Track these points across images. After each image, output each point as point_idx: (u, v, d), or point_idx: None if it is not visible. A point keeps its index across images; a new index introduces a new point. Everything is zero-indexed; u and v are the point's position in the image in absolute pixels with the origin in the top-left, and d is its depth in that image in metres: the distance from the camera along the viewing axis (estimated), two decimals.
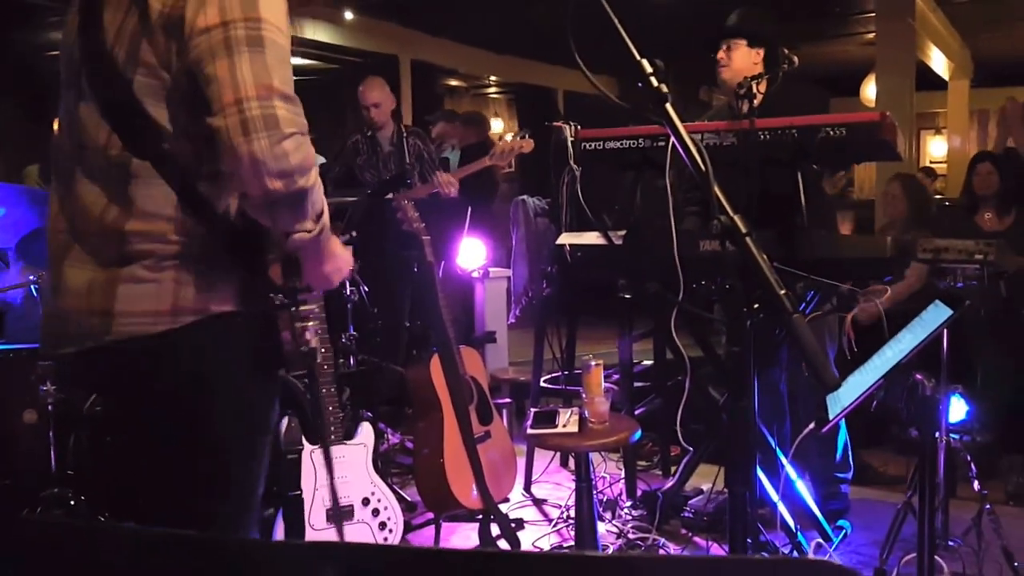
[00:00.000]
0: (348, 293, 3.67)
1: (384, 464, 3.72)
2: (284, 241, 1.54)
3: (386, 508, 2.91)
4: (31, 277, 2.94)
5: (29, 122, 8.90)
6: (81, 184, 1.57)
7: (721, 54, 3.22)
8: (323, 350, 1.82)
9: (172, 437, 1.59)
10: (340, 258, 1.70)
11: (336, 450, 2.84)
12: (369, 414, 3.29)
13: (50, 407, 2.94)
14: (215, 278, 1.56)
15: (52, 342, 1.61)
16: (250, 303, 1.58)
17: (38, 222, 2.98)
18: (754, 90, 2.70)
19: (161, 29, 1.48)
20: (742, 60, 3.17)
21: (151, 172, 1.52)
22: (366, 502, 2.86)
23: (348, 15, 7.95)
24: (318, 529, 2.76)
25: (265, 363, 1.61)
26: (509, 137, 4.01)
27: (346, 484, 2.84)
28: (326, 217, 1.57)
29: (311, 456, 2.75)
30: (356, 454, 2.89)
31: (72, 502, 2.93)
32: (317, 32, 7.84)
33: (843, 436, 3.28)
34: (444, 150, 5.87)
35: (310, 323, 1.60)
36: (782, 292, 1.56)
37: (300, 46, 7.91)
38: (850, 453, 3.33)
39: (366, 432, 2.97)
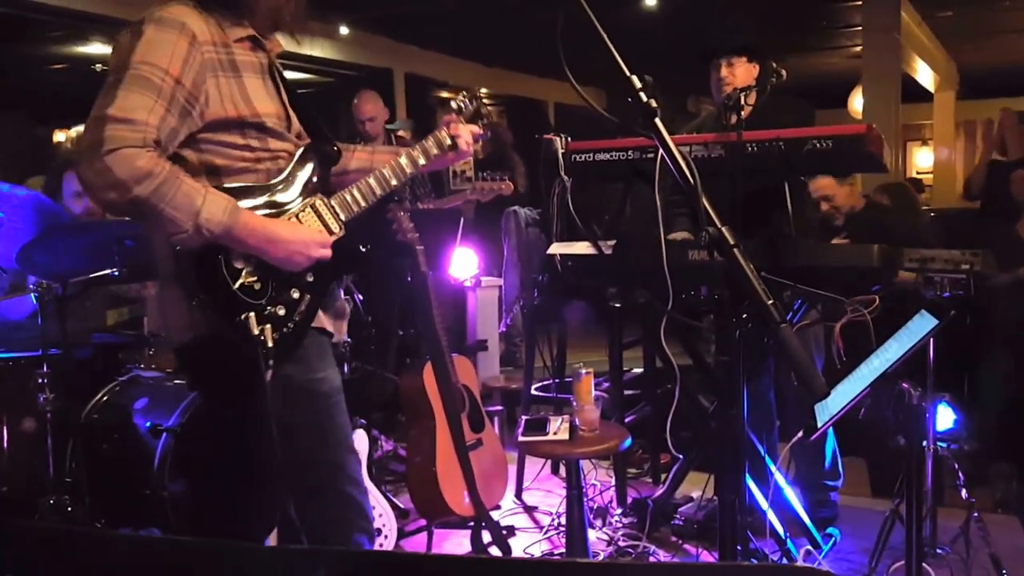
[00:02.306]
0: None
1: (378, 471, 3.73)
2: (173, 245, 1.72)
3: (380, 515, 2.92)
4: (30, 285, 2.95)
5: (31, 134, 8.92)
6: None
7: (724, 71, 3.23)
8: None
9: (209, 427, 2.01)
10: (289, 241, 1.79)
11: None
12: (363, 421, 3.29)
13: (48, 415, 2.95)
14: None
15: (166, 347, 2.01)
16: (218, 316, 1.78)
17: (38, 231, 2.99)
18: (743, 102, 2.73)
19: None
20: (745, 76, 3.21)
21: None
22: None
23: (343, 30, 8.02)
24: None
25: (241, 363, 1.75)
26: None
27: None
28: (209, 215, 1.68)
29: None
30: None
31: (70, 509, 2.93)
32: (313, 47, 7.93)
33: (831, 444, 3.30)
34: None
35: (251, 314, 1.72)
36: (769, 302, 1.58)
37: (297, 60, 7.98)
38: (839, 461, 3.35)
39: (360, 439, 2.98)
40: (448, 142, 2.11)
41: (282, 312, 1.80)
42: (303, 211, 1.86)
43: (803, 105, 3.34)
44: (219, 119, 1.77)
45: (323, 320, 1.92)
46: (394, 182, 2.00)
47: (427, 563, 1.08)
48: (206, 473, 2.15)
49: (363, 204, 1.95)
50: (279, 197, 1.83)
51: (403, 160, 2.04)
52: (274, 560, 1.00)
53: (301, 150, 1.90)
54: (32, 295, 2.98)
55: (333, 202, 1.91)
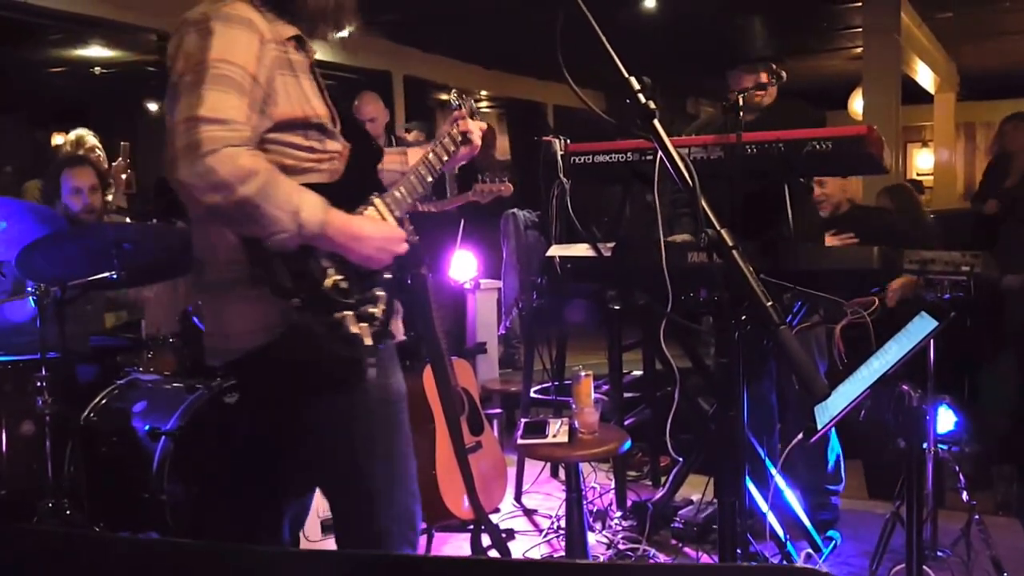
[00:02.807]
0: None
1: None
2: (270, 246, 1.65)
3: None
4: (29, 289, 2.95)
5: (30, 137, 8.93)
6: (194, 225, 1.86)
7: (764, 77, 3.14)
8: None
9: (288, 432, 1.85)
10: (373, 238, 1.77)
11: None
12: None
13: (47, 418, 2.94)
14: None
15: (209, 356, 1.86)
16: (315, 316, 1.71)
17: (38, 235, 2.99)
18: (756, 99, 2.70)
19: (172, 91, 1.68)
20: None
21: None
22: None
23: (342, 32, 8.00)
24: (312, 540, 2.76)
25: (331, 362, 1.75)
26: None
27: None
28: (307, 213, 1.65)
29: None
30: None
31: (68, 512, 2.92)
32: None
33: (835, 448, 3.28)
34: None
35: (348, 313, 1.69)
36: (769, 304, 1.58)
37: None
38: (843, 465, 3.33)
39: None
40: (460, 138, 2.13)
41: (373, 311, 1.76)
42: (366, 209, 1.85)
43: (812, 110, 3.31)
44: (286, 119, 1.74)
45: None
46: (430, 179, 2.03)
47: (427, 564, 1.08)
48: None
49: (409, 201, 1.95)
50: (343, 197, 1.80)
51: (431, 157, 2.05)
52: (274, 562, 1.00)
53: (350, 150, 1.89)
54: (31, 298, 2.98)
55: (387, 200, 1.90)
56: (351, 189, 1.84)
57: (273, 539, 1.94)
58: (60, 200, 3.65)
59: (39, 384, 2.96)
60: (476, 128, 2.14)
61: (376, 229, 1.79)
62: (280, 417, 1.88)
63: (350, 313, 1.70)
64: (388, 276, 1.82)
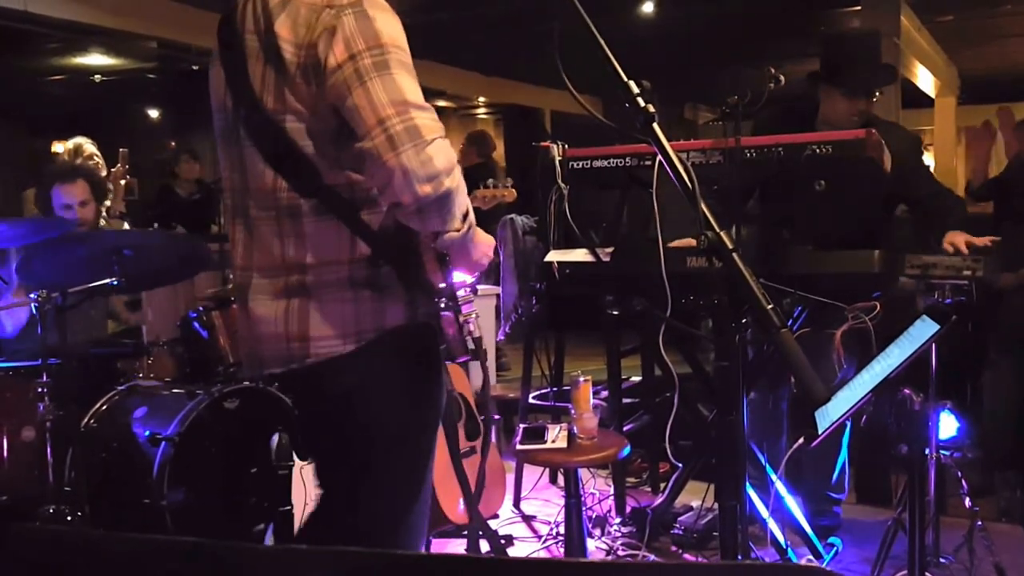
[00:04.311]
0: None
1: None
2: (434, 242, 1.68)
3: None
4: (31, 296, 2.94)
5: (28, 146, 8.94)
6: (258, 224, 1.72)
7: (864, 106, 3.12)
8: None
9: (359, 440, 1.77)
10: (484, 244, 1.83)
11: None
12: None
13: (48, 424, 2.95)
14: (385, 296, 1.70)
15: (255, 365, 1.79)
16: (416, 313, 1.73)
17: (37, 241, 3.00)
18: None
19: (301, 76, 1.61)
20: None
21: (318, 208, 1.67)
22: None
23: None
24: None
25: (431, 366, 1.78)
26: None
27: None
28: (472, 215, 1.69)
29: (301, 472, 2.74)
30: None
31: (69, 518, 2.93)
32: None
33: (843, 457, 3.25)
34: None
35: (472, 315, 1.76)
36: (769, 307, 1.56)
37: None
38: (847, 475, 3.31)
39: None
40: None
41: (460, 307, 1.79)
42: None
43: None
44: None
45: None
46: None
47: (427, 562, 1.06)
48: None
49: None
50: None
51: None
52: (274, 560, 0.99)
53: None
54: (32, 305, 2.98)
55: None
56: None
57: None
58: (52, 212, 3.65)
59: (40, 390, 2.96)
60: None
61: (489, 238, 1.85)
62: (341, 425, 1.78)
63: (451, 313, 1.75)
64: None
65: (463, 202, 1.64)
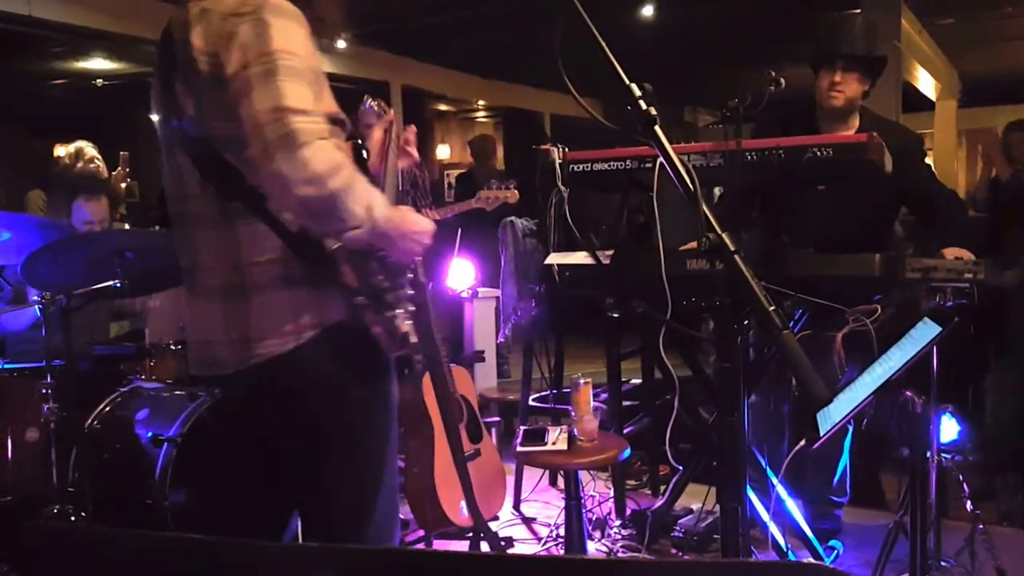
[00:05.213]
0: None
1: None
2: (340, 243, 1.66)
3: None
4: (34, 298, 2.95)
5: (31, 148, 8.96)
6: (196, 229, 1.77)
7: (839, 77, 3.03)
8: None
9: (308, 439, 1.78)
10: (417, 231, 1.77)
11: None
12: None
13: (52, 425, 2.96)
14: (322, 294, 1.71)
15: (203, 368, 1.82)
16: (375, 314, 1.73)
17: (41, 244, 3.00)
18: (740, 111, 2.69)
19: (213, 85, 1.64)
20: (855, 89, 3.07)
21: (246, 211, 1.69)
22: None
23: (341, 44, 8.05)
24: None
25: (376, 360, 1.77)
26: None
27: None
28: (378, 208, 1.65)
29: None
30: None
31: (72, 518, 2.94)
32: None
33: (844, 460, 3.25)
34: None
35: (399, 311, 1.72)
36: (771, 309, 1.56)
37: None
38: (848, 479, 3.31)
39: None
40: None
41: (411, 308, 1.77)
42: None
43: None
44: (329, 114, 1.73)
45: None
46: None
47: (429, 559, 1.07)
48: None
49: None
50: None
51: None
52: (280, 557, 1.00)
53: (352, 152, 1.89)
54: (36, 307, 2.99)
55: None
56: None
57: None
58: (68, 220, 3.65)
59: (44, 392, 2.98)
60: (412, 137, 2.22)
61: (419, 222, 1.80)
62: (290, 424, 1.80)
63: (400, 311, 1.73)
64: (411, 276, 1.84)
65: (362, 199, 1.61)
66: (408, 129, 2.21)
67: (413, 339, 1.73)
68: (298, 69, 1.60)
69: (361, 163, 1.94)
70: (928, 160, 5.02)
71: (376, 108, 2.21)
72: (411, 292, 1.79)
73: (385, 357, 1.79)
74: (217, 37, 1.63)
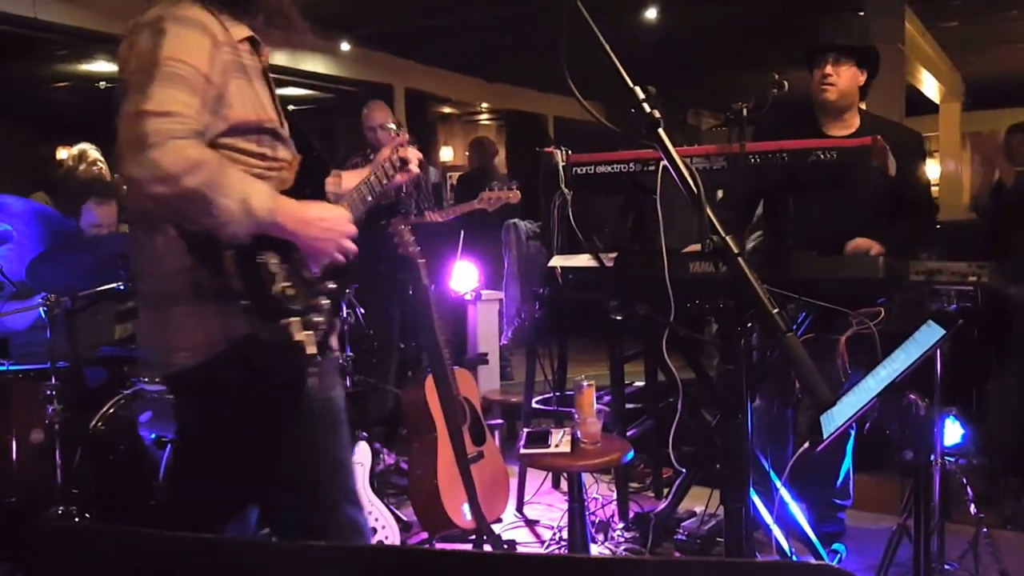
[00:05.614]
0: (344, 315, 3.66)
1: (380, 484, 3.71)
2: (231, 240, 1.64)
3: (384, 527, 2.91)
4: (38, 300, 2.96)
5: (34, 151, 8.97)
6: (134, 235, 1.85)
7: (829, 69, 3.04)
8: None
9: (218, 448, 1.84)
10: (323, 219, 1.78)
11: None
12: (365, 434, 3.28)
13: (56, 427, 2.97)
14: (230, 305, 1.69)
15: (142, 369, 1.98)
16: (262, 320, 1.70)
17: (45, 245, 3.01)
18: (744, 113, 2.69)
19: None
20: (850, 81, 3.06)
21: (159, 220, 1.71)
22: None
23: (345, 46, 8.08)
24: None
25: (282, 374, 1.75)
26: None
27: None
28: (257, 199, 1.64)
29: None
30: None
31: (77, 519, 2.95)
32: (315, 63, 8.03)
33: (846, 463, 3.24)
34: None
35: (294, 319, 1.68)
36: (775, 311, 1.56)
37: (298, 76, 8.03)
38: (851, 482, 3.30)
39: (363, 451, 2.97)
40: (399, 164, 2.22)
41: (317, 319, 1.75)
42: None
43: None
44: (241, 123, 1.74)
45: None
46: (369, 198, 2.11)
47: (433, 558, 1.07)
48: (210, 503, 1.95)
49: (353, 216, 1.96)
50: None
51: (372, 179, 2.14)
52: (287, 556, 1.00)
53: (300, 159, 1.90)
54: (41, 309, 3.00)
55: None
56: (300, 200, 1.82)
57: None
58: (76, 221, 3.66)
59: (49, 393, 2.99)
60: (414, 156, 2.23)
61: (323, 211, 1.80)
62: (221, 431, 1.83)
63: (296, 320, 1.70)
64: (332, 286, 1.83)
65: (234, 192, 1.60)
66: (408, 149, 2.24)
67: (311, 350, 1.69)
68: (180, 75, 1.62)
69: (317, 174, 1.95)
70: (931, 160, 5.01)
71: (393, 132, 2.33)
72: (326, 302, 1.78)
73: (295, 367, 1.74)
74: (127, 46, 1.70)
